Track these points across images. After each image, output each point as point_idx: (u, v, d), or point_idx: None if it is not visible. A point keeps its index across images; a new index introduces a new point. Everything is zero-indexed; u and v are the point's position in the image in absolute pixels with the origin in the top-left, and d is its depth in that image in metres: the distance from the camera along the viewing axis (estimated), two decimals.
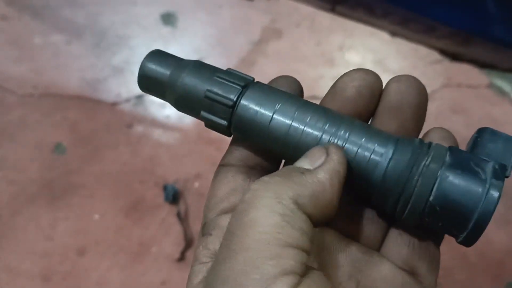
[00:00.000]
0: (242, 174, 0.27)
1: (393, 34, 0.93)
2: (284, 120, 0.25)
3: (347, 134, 0.25)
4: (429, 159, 0.23)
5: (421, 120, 0.27)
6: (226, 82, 0.26)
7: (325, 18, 1.31)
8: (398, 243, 0.26)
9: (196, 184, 1.01)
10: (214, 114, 0.26)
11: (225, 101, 0.26)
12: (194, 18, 1.33)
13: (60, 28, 1.26)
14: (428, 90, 1.08)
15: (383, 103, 0.27)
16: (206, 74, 0.27)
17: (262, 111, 0.26)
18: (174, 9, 1.33)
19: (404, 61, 1.26)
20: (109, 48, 1.24)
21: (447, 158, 0.23)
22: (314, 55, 1.27)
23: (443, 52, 1.02)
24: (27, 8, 1.28)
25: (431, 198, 0.23)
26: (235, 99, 0.26)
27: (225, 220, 0.25)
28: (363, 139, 0.25)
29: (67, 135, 1.08)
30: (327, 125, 0.25)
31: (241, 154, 0.28)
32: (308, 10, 1.32)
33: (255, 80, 0.28)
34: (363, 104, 0.27)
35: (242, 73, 0.27)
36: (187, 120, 1.10)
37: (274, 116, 0.26)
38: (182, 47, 1.27)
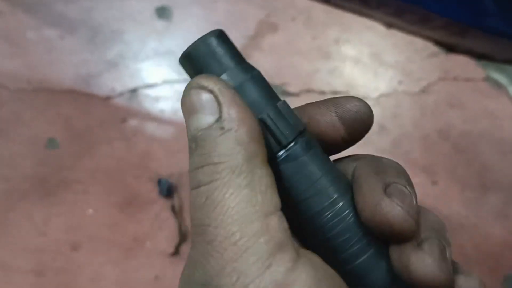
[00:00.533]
0: None
1: (389, 25, 0.92)
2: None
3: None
4: None
5: None
6: (287, 117, 0.23)
7: (321, 12, 1.30)
8: None
9: None
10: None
11: (280, 136, 0.22)
12: (189, 12, 1.31)
13: (53, 23, 1.24)
14: (424, 83, 1.08)
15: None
16: (269, 93, 0.23)
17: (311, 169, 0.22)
18: (169, 3, 1.31)
19: (400, 55, 1.25)
20: (103, 43, 1.23)
21: None
22: (310, 49, 1.26)
23: (439, 43, 1.01)
24: (20, 2, 1.27)
25: None
26: (290, 139, 0.22)
27: None
28: None
29: (60, 130, 1.07)
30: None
31: None
32: (304, 4, 1.31)
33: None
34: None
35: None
36: (182, 114, 1.09)
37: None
38: (177, 41, 1.26)
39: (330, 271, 0.20)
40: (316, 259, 0.20)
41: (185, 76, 1.19)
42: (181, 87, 1.17)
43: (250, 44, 1.25)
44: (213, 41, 0.23)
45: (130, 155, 1.04)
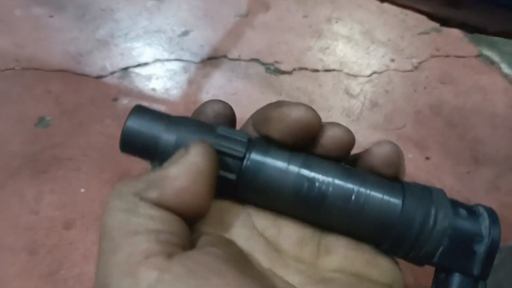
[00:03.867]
0: None
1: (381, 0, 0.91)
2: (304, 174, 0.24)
3: (358, 180, 0.25)
4: (436, 203, 0.24)
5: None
6: (230, 136, 0.24)
7: None
8: None
9: None
10: (221, 169, 0.24)
11: (234, 153, 0.24)
12: None
13: (42, 1, 1.22)
14: (417, 61, 1.08)
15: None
16: (206, 126, 0.25)
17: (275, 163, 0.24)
18: None
19: (392, 32, 1.25)
20: (92, 21, 1.21)
21: (449, 202, 0.25)
22: (301, 27, 1.25)
23: (431, 17, 1.01)
24: None
25: (444, 242, 0.24)
26: (244, 151, 0.24)
27: None
28: (374, 183, 0.25)
29: (50, 108, 1.05)
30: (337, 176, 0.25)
31: None
32: None
33: None
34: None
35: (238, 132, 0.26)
36: (174, 92, 1.08)
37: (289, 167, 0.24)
38: (168, 19, 1.25)
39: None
40: (192, 254, 0.20)
41: (176, 55, 1.17)
42: (173, 66, 1.16)
43: (242, 22, 1.24)
44: (135, 121, 0.25)
45: None
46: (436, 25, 1.15)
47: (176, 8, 1.27)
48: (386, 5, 0.89)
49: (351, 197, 0.24)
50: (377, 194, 0.24)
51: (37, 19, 1.19)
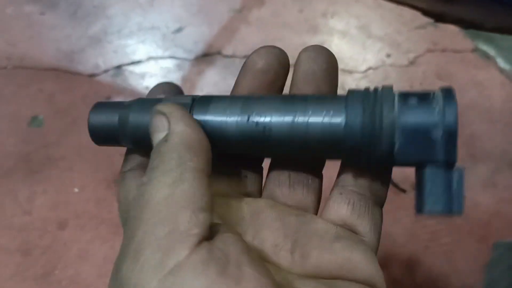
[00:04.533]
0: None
1: None
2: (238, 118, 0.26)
3: (298, 108, 0.25)
4: (380, 101, 0.24)
5: (335, 82, 0.29)
6: (175, 100, 0.27)
7: None
8: (338, 202, 0.27)
9: None
10: None
11: (183, 102, 0.27)
12: None
13: None
14: (413, 56, 1.07)
15: (297, 72, 0.29)
16: (152, 104, 0.27)
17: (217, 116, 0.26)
18: None
19: (388, 27, 1.24)
20: (85, 18, 1.20)
21: (396, 96, 0.24)
22: (297, 22, 1.24)
23: (427, 13, 1.00)
24: None
25: (398, 138, 0.23)
26: (190, 101, 0.27)
27: None
28: (315, 106, 0.25)
29: (43, 107, 1.04)
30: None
31: (141, 159, 0.29)
32: None
33: None
34: (273, 74, 0.29)
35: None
36: None
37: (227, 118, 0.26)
38: (161, 15, 1.23)
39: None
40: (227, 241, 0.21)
41: (170, 52, 1.16)
42: (167, 64, 1.15)
43: (237, 17, 1.23)
44: (94, 116, 0.29)
45: None
46: (432, 19, 1.13)
47: (170, 4, 1.26)
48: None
49: (292, 128, 0.25)
50: (317, 119, 0.24)
51: (28, 17, 1.18)
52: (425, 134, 0.23)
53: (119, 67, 1.11)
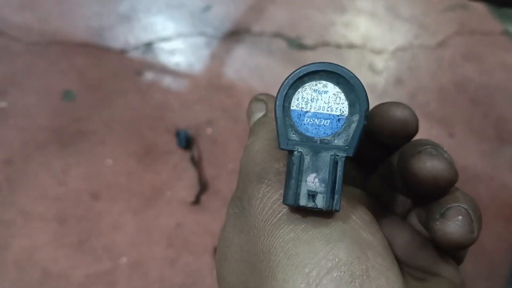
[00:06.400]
0: None
1: None
2: None
3: None
4: None
5: None
6: None
7: None
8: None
9: (209, 130, 1.00)
10: None
11: None
12: None
13: None
14: (441, 37, 1.06)
15: None
16: None
17: None
18: None
19: (416, 8, 1.23)
20: None
21: None
22: (324, 1, 1.24)
23: None
24: None
25: None
26: None
27: None
28: None
29: (75, 82, 1.06)
30: None
31: None
32: None
33: None
34: None
35: None
36: (197, 67, 1.08)
37: None
38: None
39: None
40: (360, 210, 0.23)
41: (199, 30, 1.17)
42: (196, 41, 1.16)
43: None
44: None
45: (146, 107, 1.04)
46: (461, 1, 1.13)
47: None
48: None
49: None
50: None
51: None
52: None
53: (148, 44, 1.13)
